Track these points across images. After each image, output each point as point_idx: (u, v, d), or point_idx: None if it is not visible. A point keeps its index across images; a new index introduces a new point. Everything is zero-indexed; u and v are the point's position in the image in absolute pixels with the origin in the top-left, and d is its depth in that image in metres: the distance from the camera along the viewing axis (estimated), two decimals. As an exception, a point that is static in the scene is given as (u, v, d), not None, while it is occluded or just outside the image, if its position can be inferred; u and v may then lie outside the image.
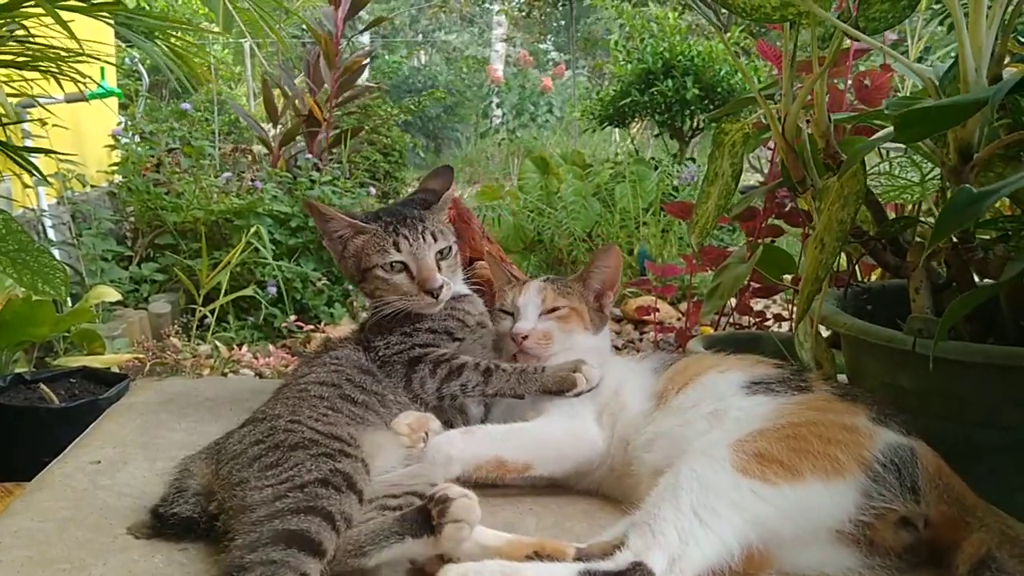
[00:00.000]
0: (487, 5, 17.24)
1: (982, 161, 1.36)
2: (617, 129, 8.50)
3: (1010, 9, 1.53)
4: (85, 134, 5.48)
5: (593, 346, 1.54)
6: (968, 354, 1.32)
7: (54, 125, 3.34)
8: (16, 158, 2.33)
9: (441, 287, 1.49)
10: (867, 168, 1.90)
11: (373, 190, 6.37)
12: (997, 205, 1.60)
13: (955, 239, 1.43)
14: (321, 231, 1.56)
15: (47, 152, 2.64)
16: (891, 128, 1.42)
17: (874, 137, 1.47)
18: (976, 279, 1.50)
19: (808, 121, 1.65)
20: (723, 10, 1.49)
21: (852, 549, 1.04)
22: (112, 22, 2.35)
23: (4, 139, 2.49)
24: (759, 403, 1.16)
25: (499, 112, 12.55)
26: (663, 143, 8.00)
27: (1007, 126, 1.48)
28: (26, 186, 4.25)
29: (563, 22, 16.52)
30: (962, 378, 1.33)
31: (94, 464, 1.32)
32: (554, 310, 1.54)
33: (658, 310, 3.84)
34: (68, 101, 3.85)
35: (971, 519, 1.05)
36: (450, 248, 1.55)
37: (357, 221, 1.53)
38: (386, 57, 13.91)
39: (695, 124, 7.47)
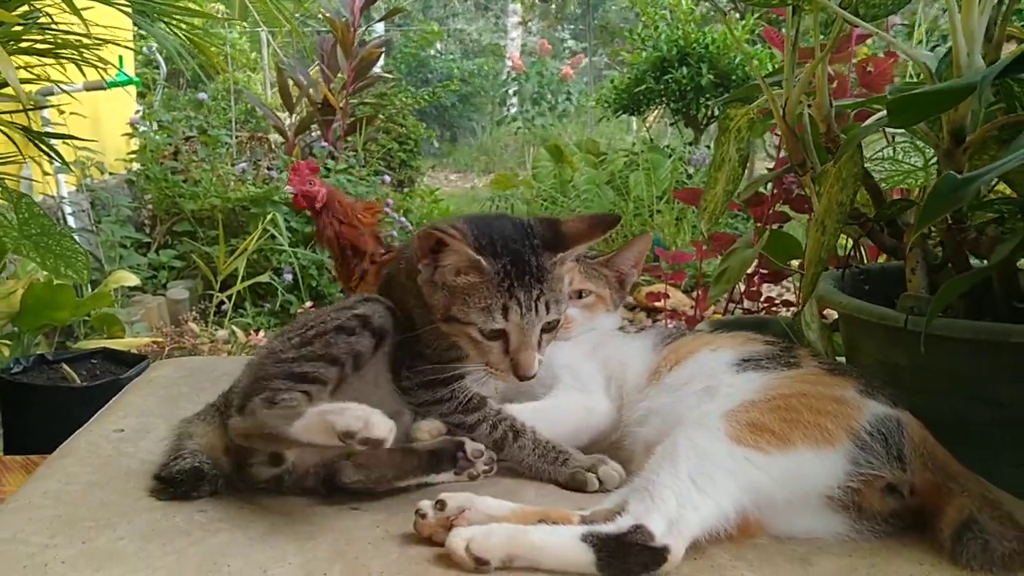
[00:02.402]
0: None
1: (974, 144, 1.40)
2: (634, 117, 8.50)
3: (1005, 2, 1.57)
4: (104, 122, 5.56)
5: (611, 324, 1.56)
6: (957, 331, 1.35)
7: (72, 113, 3.40)
8: (37, 143, 2.39)
9: (534, 376, 1.25)
10: (871, 153, 1.95)
11: (388, 178, 6.42)
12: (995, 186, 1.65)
13: (949, 221, 1.46)
14: (420, 253, 1.25)
15: (66, 137, 2.70)
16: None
17: (868, 121, 1.51)
18: (972, 259, 1.54)
19: (810, 106, 1.69)
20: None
21: (842, 514, 1.09)
22: (129, 9, 2.40)
23: (25, 124, 2.55)
24: (749, 379, 1.21)
25: (515, 100, 12.55)
26: (678, 131, 8.02)
27: (1003, 109, 1.52)
28: (46, 173, 4.33)
29: (579, 10, 16.52)
30: (952, 354, 1.37)
31: (117, 432, 1.37)
32: (580, 294, 1.49)
33: (668, 297, 3.88)
34: (87, 89, 3.92)
35: (954, 485, 1.09)
36: (558, 320, 1.28)
37: (480, 260, 1.22)
38: (406, 39, 13.94)
39: (710, 112, 7.48)
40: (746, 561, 1.03)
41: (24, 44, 2.28)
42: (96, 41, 2.38)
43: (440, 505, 1.07)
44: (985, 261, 1.56)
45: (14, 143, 2.30)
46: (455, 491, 1.10)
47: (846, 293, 1.64)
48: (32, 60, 2.49)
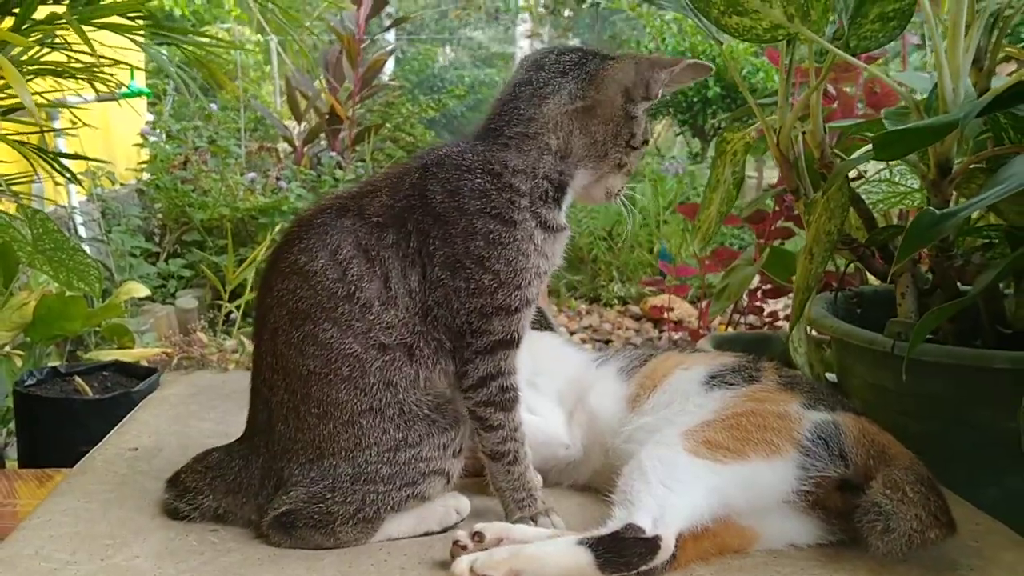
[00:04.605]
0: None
1: (961, 175, 1.45)
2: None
3: (995, 32, 1.61)
4: (114, 132, 5.62)
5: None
6: (942, 356, 1.41)
7: (85, 125, 3.45)
8: (53, 164, 2.45)
9: None
10: (868, 174, 2.00)
11: (396, 188, 6.46)
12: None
13: (937, 248, 1.51)
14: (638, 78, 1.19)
15: (80, 158, 2.76)
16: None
17: (855, 155, 1.56)
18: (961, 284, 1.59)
19: (804, 132, 1.74)
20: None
21: (812, 517, 1.18)
22: (141, 37, 2.45)
23: (37, 142, 2.61)
24: (714, 399, 1.28)
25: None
26: (685, 141, 8.06)
27: (991, 139, 1.57)
28: (57, 184, 4.38)
29: (588, 20, 16.55)
30: (937, 379, 1.42)
31: (132, 451, 1.43)
32: None
33: (671, 309, 3.93)
34: (99, 101, 3.98)
35: (885, 464, 1.17)
36: None
37: None
38: (411, 53, 14.01)
39: (717, 123, 7.51)
40: (731, 582, 1.08)
41: (42, 65, 2.33)
42: (109, 60, 2.43)
43: (479, 537, 1.12)
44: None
45: (31, 163, 2.35)
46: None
47: (839, 316, 1.69)
48: (48, 79, 2.55)
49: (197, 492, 1.20)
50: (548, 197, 1.19)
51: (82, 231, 5.06)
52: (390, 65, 9.81)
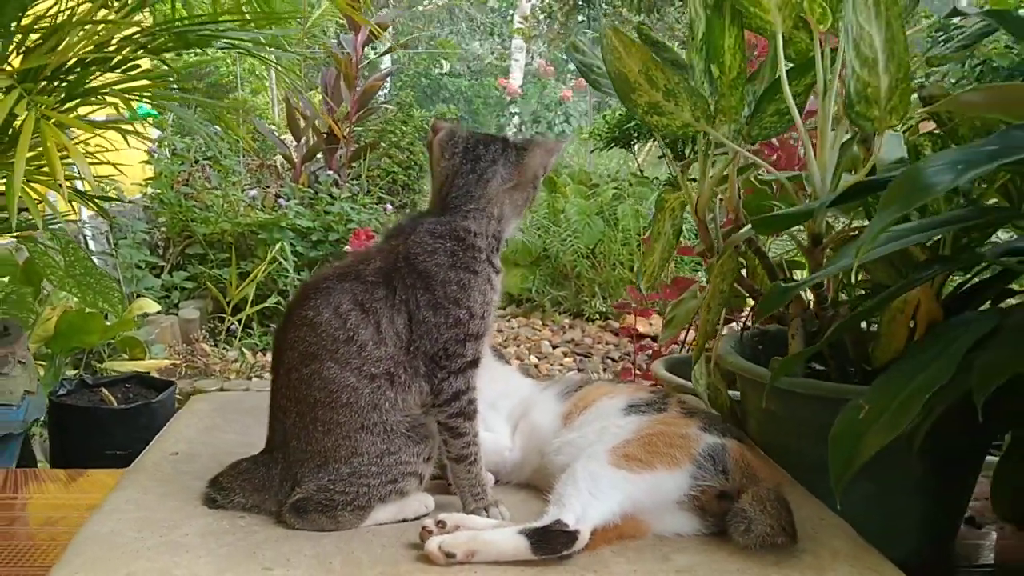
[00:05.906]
0: (505, 10, 17.74)
1: (829, 245, 1.82)
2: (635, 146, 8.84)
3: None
4: (122, 149, 5.93)
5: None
6: (810, 389, 1.77)
7: (97, 146, 3.76)
8: (93, 204, 2.81)
9: None
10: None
11: (390, 206, 6.81)
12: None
13: (817, 301, 1.88)
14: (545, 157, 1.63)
15: (114, 199, 3.11)
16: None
17: (741, 231, 1.91)
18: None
19: (722, 199, 2.10)
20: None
21: (694, 515, 1.53)
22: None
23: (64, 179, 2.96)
24: (631, 421, 1.64)
25: (516, 121, 12.88)
26: (668, 164, 8.37)
27: (864, 213, 1.94)
28: (69, 201, 4.72)
29: (585, 33, 16.88)
30: (810, 408, 1.78)
31: (173, 455, 1.79)
32: None
33: (637, 330, 4.27)
34: (108, 123, 4.32)
35: (754, 485, 1.52)
36: None
37: None
38: (409, 68, 14.33)
39: (695, 148, 7.83)
40: (625, 557, 1.45)
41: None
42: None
43: (441, 524, 1.47)
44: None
45: (70, 204, 2.71)
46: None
47: (745, 352, 2.06)
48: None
49: (231, 491, 1.58)
50: (494, 249, 1.63)
51: (91, 245, 5.39)
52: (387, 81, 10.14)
